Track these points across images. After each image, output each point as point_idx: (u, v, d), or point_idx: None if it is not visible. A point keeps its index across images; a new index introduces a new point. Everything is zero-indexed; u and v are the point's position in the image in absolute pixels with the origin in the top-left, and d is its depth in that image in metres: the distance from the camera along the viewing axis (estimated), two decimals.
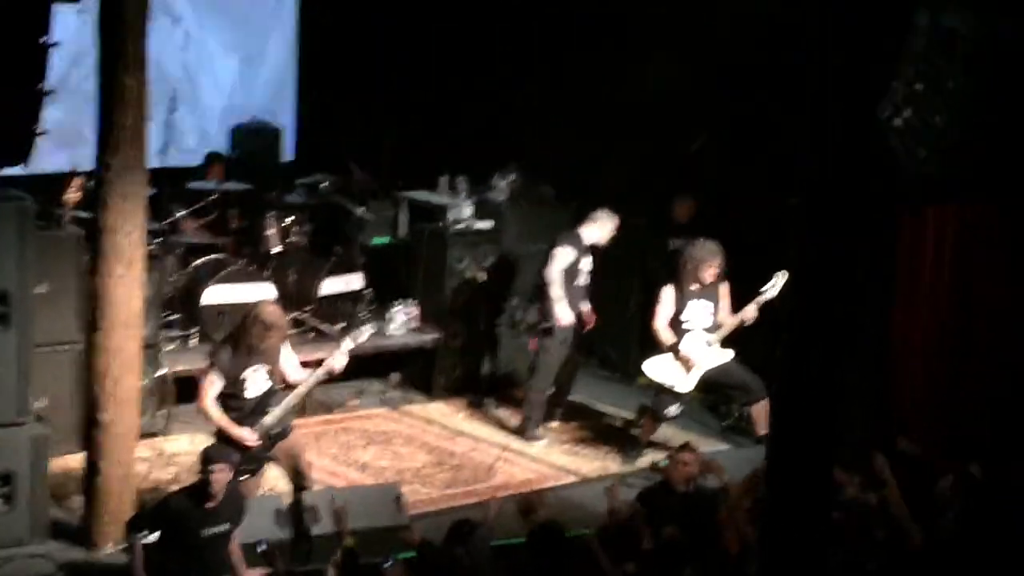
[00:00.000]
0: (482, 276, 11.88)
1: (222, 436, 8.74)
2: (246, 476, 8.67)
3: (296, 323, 11.35)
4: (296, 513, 8.75)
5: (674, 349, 10.51)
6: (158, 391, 10.48)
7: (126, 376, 8.72)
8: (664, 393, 10.61)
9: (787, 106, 6.73)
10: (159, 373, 10.45)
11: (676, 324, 10.56)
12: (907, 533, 7.49)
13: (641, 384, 11.96)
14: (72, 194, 9.95)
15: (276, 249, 11.74)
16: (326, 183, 12.36)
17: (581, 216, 11.84)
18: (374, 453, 10.71)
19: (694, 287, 10.53)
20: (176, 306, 11.20)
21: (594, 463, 10.71)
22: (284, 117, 13.68)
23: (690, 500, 8.38)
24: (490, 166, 12.49)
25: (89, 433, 8.83)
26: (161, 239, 10.98)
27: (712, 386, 10.90)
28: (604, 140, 12.60)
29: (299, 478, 8.97)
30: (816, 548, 6.03)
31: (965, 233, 10.23)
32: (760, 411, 10.56)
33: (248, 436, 8.70)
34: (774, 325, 10.64)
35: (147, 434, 10.08)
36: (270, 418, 8.79)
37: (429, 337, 11.92)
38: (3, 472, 8.67)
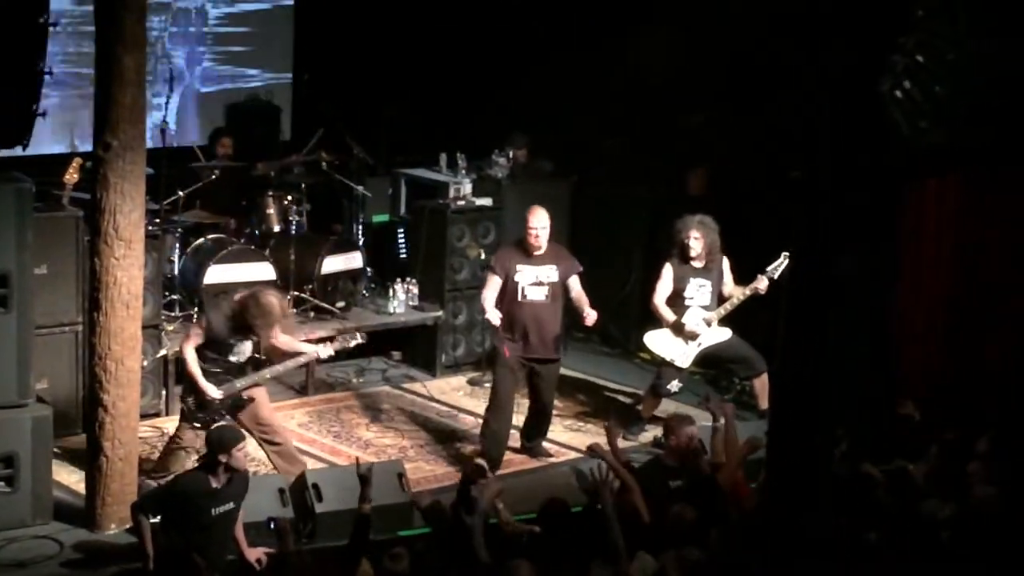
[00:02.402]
0: (483, 253, 11.86)
1: (188, 384, 9.02)
2: (199, 426, 8.97)
3: (297, 302, 11.35)
4: (299, 491, 8.77)
5: (675, 325, 10.49)
6: (159, 371, 10.49)
7: (127, 357, 8.71)
8: (665, 368, 10.60)
9: (788, 79, 6.72)
10: (160, 354, 10.45)
11: (676, 300, 10.54)
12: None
13: (643, 360, 12.01)
14: (71, 175, 9.93)
15: (276, 228, 11.72)
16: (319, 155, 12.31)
17: (579, 190, 11.86)
18: (376, 431, 10.72)
19: (696, 264, 10.50)
20: (176, 287, 11.20)
21: (596, 439, 10.69)
22: (281, 95, 13.64)
23: (688, 474, 8.38)
24: (489, 143, 12.46)
25: (90, 414, 8.83)
26: (160, 219, 10.96)
27: (713, 361, 10.90)
28: (603, 114, 12.58)
29: (262, 431, 9.09)
30: (818, 517, 6.04)
31: (967, 206, 10.22)
32: (761, 385, 10.58)
33: (211, 390, 8.95)
34: (774, 304, 10.86)
35: (148, 414, 10.11)
36: (240, 382, 9.03)
37: (430, 315, 11.91)
38: (6, 454, 8.69)
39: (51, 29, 8.19)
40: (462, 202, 12.08)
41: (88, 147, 9.15)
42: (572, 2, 12.76)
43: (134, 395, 8.83)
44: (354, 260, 11.90)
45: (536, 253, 9.98)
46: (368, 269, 12.07)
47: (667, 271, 10.54)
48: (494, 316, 9.86)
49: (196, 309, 11.11)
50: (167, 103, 11.72)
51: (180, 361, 9.25)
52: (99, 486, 8.75)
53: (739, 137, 11.64)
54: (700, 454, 8.60)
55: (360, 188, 12.40)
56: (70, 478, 9.37)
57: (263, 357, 9.18)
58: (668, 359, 10.54)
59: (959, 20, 6.17)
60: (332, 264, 11.69)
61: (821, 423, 6.11)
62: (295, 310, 11.11)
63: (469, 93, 13.19)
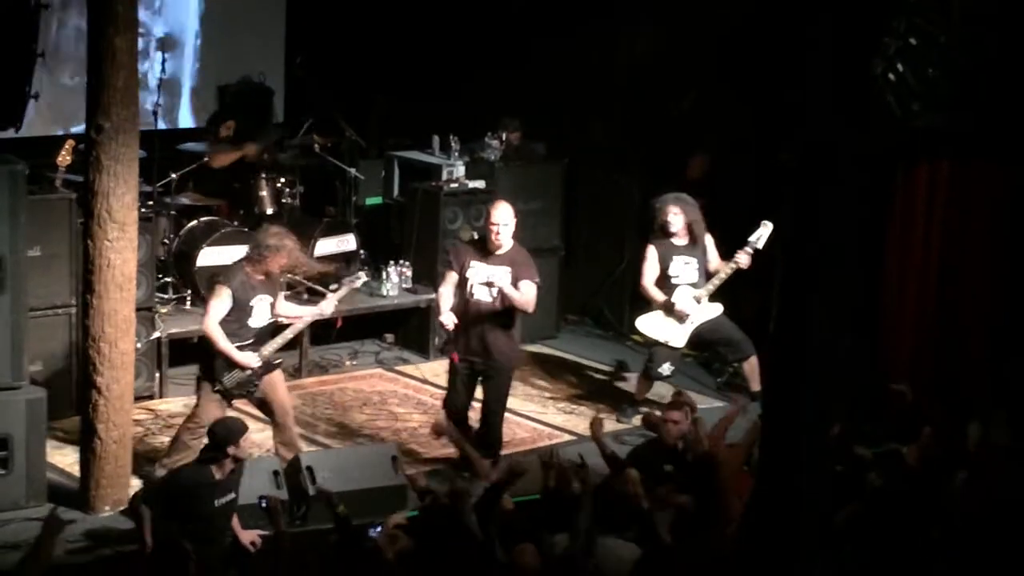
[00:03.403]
0: (475, 235, 11.86)
1: (212, 361, 8.93)
2: (234, 400, 9.03)
3: (289, 284, 11.35)
4: (292, 474, 8.79)
5: (666, 305, 10.50)
6: (153, 354, 10.50)
7: (121, 339, 8.72)
8: (657, 351, 10.61)
9: (778, 63, 6.73)
10: (153, 336, 10.46)
11: (664, 281, 10.54)
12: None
13: (635, 342, 12.03)
14: (64, 157, 9.92)
15: (269, 210, 11.73)
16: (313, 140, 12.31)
17: (572, 173, 11.83)
18: (369, 414, 10.73)
19: (678, 242, 10.50)
20: (170, 269, 11.20)
21: (588, 422, 10.72)
22: (273, 78, 13.62)
23: (682, 457, 8.38)
24: (482, 126, 12.46)
25: (84, 396, 8.84)
26: (154, 201, 10.96)
27: (703, 344, 10.91)
28: (595, 98, 12.58)
29: (273, 412, 9.14)
30: (816, 505, 6.05)
31: (957, 192, 10.24)
32: (751, 368, 10.62)
33: (250, 360, 8.93)
34: (760, 279, 10.82)
35: (142, 397, 10.12)
36: (268, 349, 9.02)
37: (423, 297, 11.92)
38: (0, 436, 8.68)
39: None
40: (455, 185, 12.09)
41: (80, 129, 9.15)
42: None
43: (128, 377, 8.84)
44: (347, 242, 11.90)
45: (496, 252, 9.35)
46: (361, 251, 12.07)
47: (651, 252, 10.54)
48: (448, 319, 9.34)
49: (190, 292, 11.12)
50: (159, 86, 11.72)
51: (191, 344, 9.11)
52: (93, 468, 8.76)
53: (731, 120, 11.66)
54: (687, 439, 8.56)
55: (353, 171, 12.39)
56: (64, 460, 9.38)
57: (281, 318, 9.19)
58: (662, 340, 10.55)
59: (952, 3, 6.19)
60: (325, 246, 11.69)
61: (813, 406, 6.12)
62: (288, 292, 11.11)
63: (462, 75, 13.18)
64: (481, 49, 13.07)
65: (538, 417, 10.81)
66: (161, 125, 11.61)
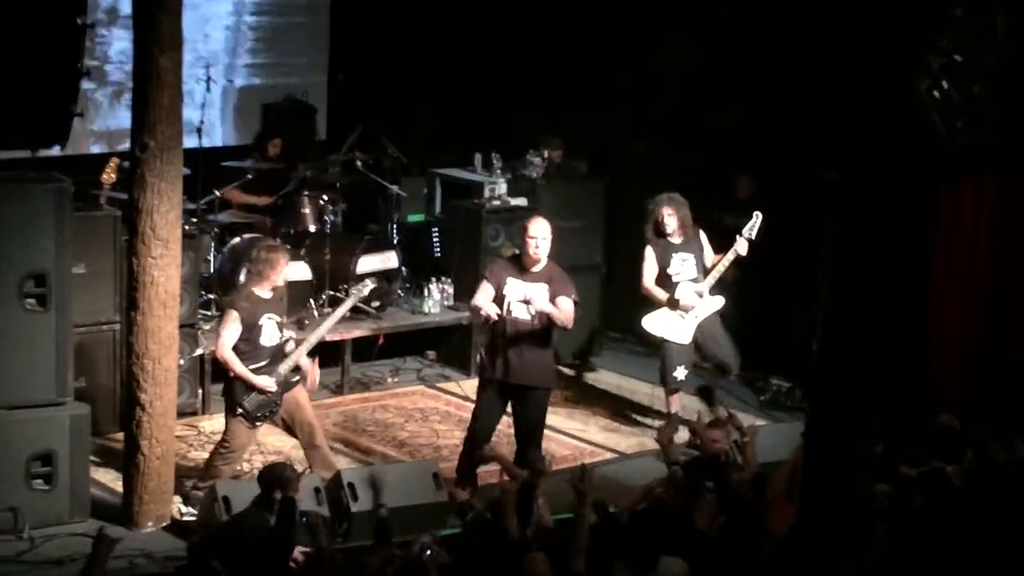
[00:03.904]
0: (516, 251, 11.86)
1: (231, 385, 8.99)
2: (260, 423, 9.08)
3: (332, 301, 11.38)
4: (334, 491, 8.80)
5: (670, 302, 10.57)
6: (196, 370, 10.54)
7: (164, 356, 8.75)
8: (668, 356, 10.58)
9: (823, 80, 6.70)
10: (196, 352, 10.50)
11: (664, 279, 10.62)
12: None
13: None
14: (109, 175, 9.99)
15: (312, 228, 11.77)
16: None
17: (614, 191, 11.82)
18: (411, 430, 10.74)
19: (674, 240, 10.60)
20: (213, 286, 11.25)
21: (631, 439, 10.71)
22: (316, 95, 13.68)
23: (724, 475, 8.32)
24: (524, 143, 12.47)
25: (128, 413, 8.88)
26: (197, 219, 11.02)
27: (697, 347, 10.78)
28: (637, 115, 12.58)
29: (301, 432, 9.17)
30: (858, 526, 6.02)
31: (1002, 210, 10.17)
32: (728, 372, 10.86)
33: (269, 384, 8.95)
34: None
35: (185, 413, 10.16)
36: (284, 367, 9.04)
37: (464, 314, 11.92)
38: (44, 451, 8.74)
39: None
40: (497, 202, 12.10)
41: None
42: (606, 3, 12.74)
43: (171, 394, 8.88)
44: (389, 260, 11.92)
45: (532, 268, 9.24)
46: (403, 269, 12.09)
47: (649, 252, 10.65)
48: (492, 309, 9.16)
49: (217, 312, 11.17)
50: (204, 104, 11.78)
51: (219, 365, 9.16)
52: (136, 484, 8.80)
53: (774, 136, 11.63)
54: (729, 459, 8.53)
55: (395, 188, 12.43)
56: (107, 476, 9.42)
57: (291, 337, 9.22)
58: (670, 338, 10.57)
59: (997, 20, 6.15)
60: (367, 264, 11.71)
61: (858, 426, 6.09)
62: (329, 309, 11.14)
63: (504, 93, 13.21)
64: (524, 67, 13.09)
65: (579, 435, 10.78)
66: (205, 143, 11.67)
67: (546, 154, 12.42)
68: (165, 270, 8.68)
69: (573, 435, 10.76)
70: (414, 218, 12.77)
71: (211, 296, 11.20)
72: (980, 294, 10.36)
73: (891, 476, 7.74)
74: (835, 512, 6.14)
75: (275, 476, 7.74)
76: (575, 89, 12.63)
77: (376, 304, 11.62)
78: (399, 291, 12.03)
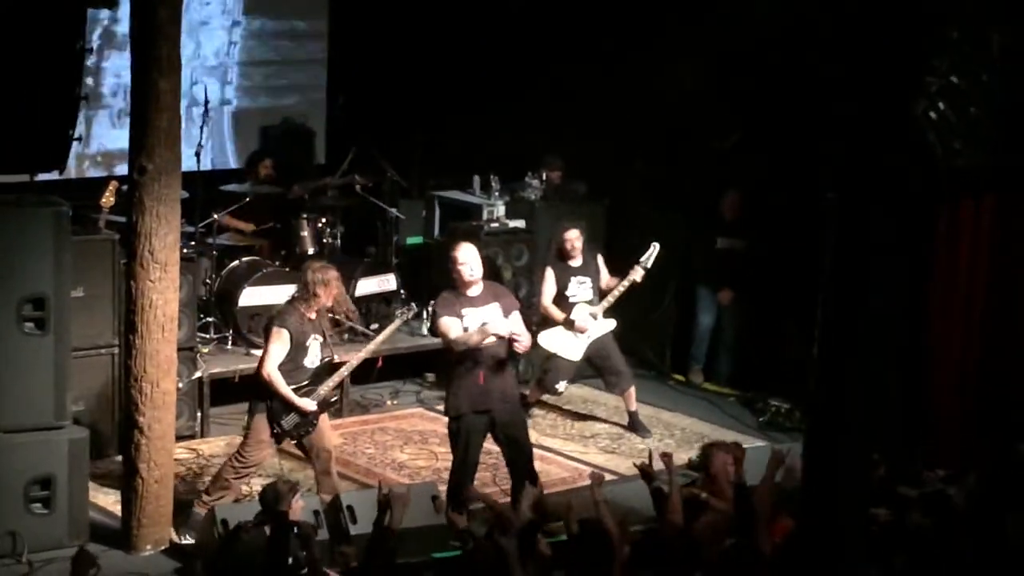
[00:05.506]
0: (516, 275, 11.88)
1: (281, 405, 8.89)
2: (294, 441, 9.12)
3: (332, 324, 11.37)
4: (333, 514, 8.78)
5: (566, 322, 10.97)
6: (194, 393, 10.53)
7: (162, 379, 8.75)
8: (554, 367, 11.08)
9: (821, 101, 6.71)
10: (195, 376, 10.50)
11: (561, 299, 11.01)
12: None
13: (676, 382, 12.03)
14: (107, 198, 10.00)
15: (310, 250, 11.77)
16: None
17: (613, 212, 11.83)
18: (410, 453, 10.73)
19: (573, 264, 11.04)
20: (211, 309, 11.25)
21: (630, 461, 10.68)
22: (315, 118, 13.70)
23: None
24: (523, 165, 12.49)
25: (126, 436, 8.87)
26: (196, 242, 11.03)
27: (591, 364, 11.21)
28: (637, 136, 12.59)
29: (317, 458, 9.15)
30: (857, 547, 6.00)
31: (1001, 230, 10.17)
32: (629, 396, 11.21)
33: (310, 405, 8.96)
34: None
35: (183, 436, 10.15)
36: (324, 388, 9.06)
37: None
38: (43, 475, 8.74)
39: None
40: (495, 224, 12.11)
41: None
42: (605, 24, 12.77)
43: (169, 417, 8.87)
44: (388, 282, 11.93)
45: (471, 293, 9.04)
46: (402, 291, 12.09)
47: (549, 274, 11.09)
48: (496, 327, 8.99)
49: (231, 331, 11.16)
50: (202, 127, 11.80)
51: (263, 383, 8.90)
52: (135, 508, 8.79)
53: (773, 159, 11.64)
54: (738, 483, 8.48)
55: (394, 210, 12.44)
56: (106, 500, 9.41)
57: (333, 359, 9.20)
58: (562, 354, 11.01)
59: (993, 41, 6.16)
60: (366, 286, 11.73)
61: (856, 449, 6.08)
62: (330, 331, 11.13)
63: (503, 115, 13.22)
64: (523, 89, 13.10)
65: (580, 457, 10.77)
66: (203, 166, 11.68)
67: (545, 175, 12.45)
68: (163, 293, 8.68)
69: (573, 457, 10.75)
70: (413, 240, 12.78)
71: (210, 319, 11.19)
72: (980, 313, 10.34)
73: (891, 498, 7.72)
74: (837, 531, 6.13)
75: (277, 496, 7.72)
76: (574, 111, 12.64)
77: (375, 327, 11.63)
78: (398, 313, 12.00)
